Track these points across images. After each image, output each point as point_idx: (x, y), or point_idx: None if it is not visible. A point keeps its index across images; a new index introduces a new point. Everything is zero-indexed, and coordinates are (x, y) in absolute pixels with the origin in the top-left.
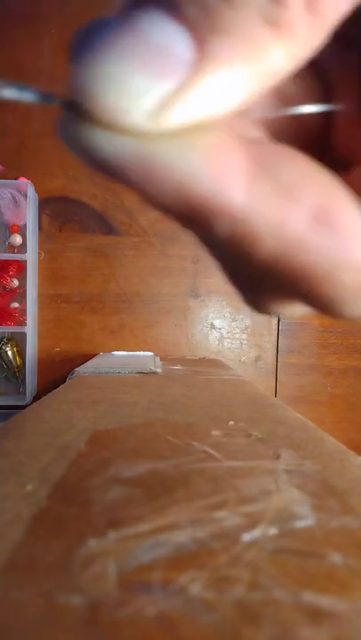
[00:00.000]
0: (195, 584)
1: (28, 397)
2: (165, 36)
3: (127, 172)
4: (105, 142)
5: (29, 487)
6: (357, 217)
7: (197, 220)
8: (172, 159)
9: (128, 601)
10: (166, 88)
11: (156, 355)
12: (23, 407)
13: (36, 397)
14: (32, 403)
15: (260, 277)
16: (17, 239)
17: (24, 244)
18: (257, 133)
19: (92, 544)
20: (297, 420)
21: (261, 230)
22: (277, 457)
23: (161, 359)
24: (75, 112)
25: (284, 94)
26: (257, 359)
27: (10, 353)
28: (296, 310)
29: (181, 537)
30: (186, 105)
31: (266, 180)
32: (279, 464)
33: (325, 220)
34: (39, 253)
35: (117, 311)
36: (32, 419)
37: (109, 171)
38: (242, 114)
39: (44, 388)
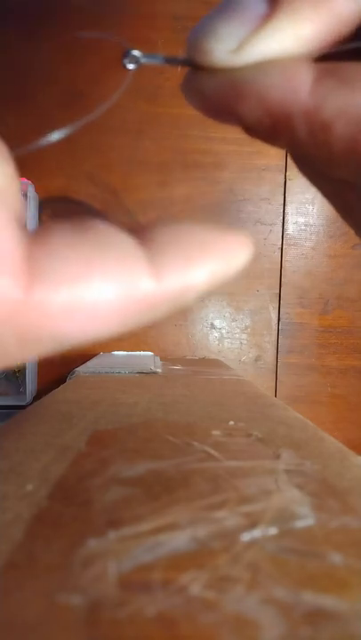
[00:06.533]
0: (195, 584)
1: (28, 397)
2: None
3: (224, 99)
4: (207, 81)
5: (29, 487)
6: None
7: (281, 128)
8: (253, 77)
9: (128, 601)
10: (243, 33)
11: (156, 355)
12: (23, 407)
13: (36, 397)
14: (32, 403)
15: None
16: None
17: None
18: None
19: (92, 544)
20: (297, 420)
21: (332, 115)
22: (277, 457)
23: (161, 359)
24: (187, 65)
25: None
26: (257, 359)
27: None
28: None
29: (181, 537)
30: (260, 44)
31: (330, 77)
32: (279, 464)
33: None
34: None
35: None
36: (32, 419)
37: (213, 106)
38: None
39: (44, 388)
